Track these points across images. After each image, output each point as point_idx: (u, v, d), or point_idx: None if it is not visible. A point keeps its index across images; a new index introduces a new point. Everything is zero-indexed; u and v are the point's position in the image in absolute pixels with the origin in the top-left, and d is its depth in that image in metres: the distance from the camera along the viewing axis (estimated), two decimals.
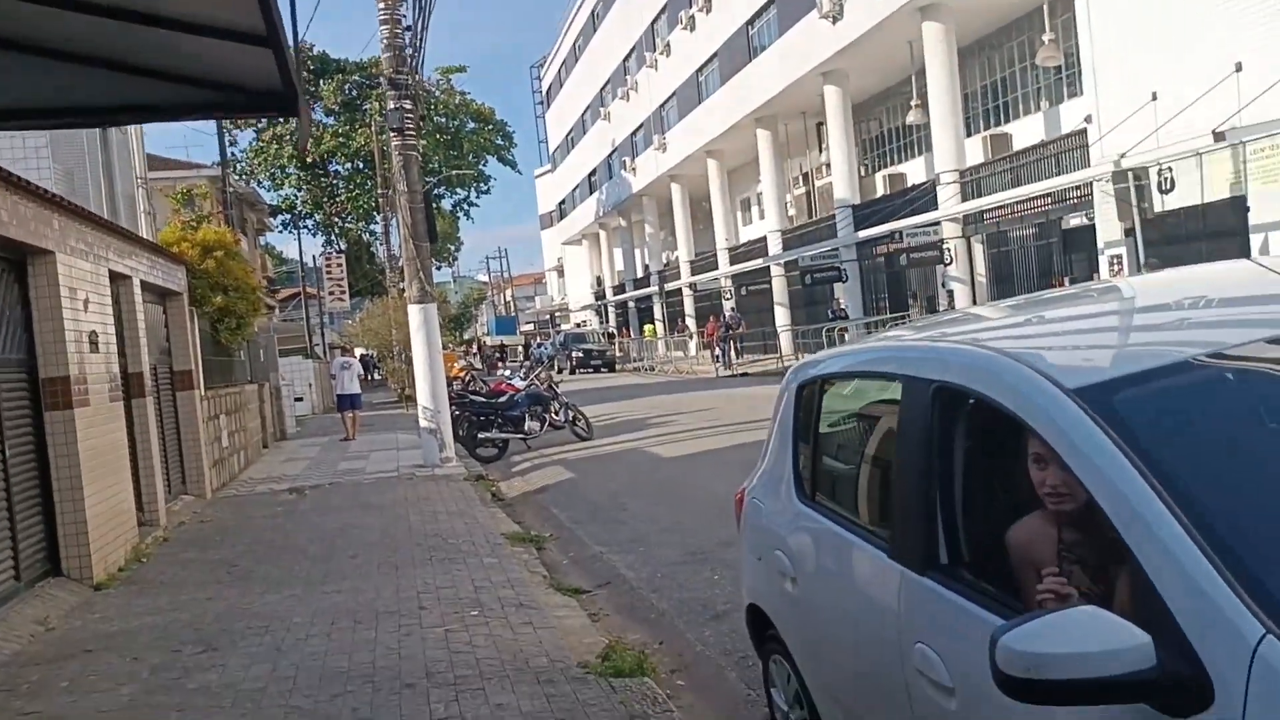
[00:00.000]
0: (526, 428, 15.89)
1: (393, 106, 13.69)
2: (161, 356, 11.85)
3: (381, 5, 13.61)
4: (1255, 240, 16.67)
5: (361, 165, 50.49)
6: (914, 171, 33.38)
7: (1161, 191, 17.59)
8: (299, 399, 29.97)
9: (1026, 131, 27.47)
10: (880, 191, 33.77)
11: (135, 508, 9.47)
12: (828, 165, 36.85)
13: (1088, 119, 20.18)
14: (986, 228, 25.40)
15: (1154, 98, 18.17)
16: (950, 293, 26.24)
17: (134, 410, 9.81)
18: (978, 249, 25.99)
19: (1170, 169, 17.42)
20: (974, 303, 25.54)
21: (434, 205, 14.76)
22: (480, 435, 15.89)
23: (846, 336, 26.18)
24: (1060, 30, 24.64)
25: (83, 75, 2.97)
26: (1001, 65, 29.00)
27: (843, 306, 30.07)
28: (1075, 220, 21.87)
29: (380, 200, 42.19)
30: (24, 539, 7.03)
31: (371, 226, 52.71)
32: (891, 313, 30.19)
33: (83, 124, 3.33)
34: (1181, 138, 17.38)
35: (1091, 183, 20.07)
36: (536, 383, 16.63)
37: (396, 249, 44.09)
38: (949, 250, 25.86)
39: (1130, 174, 15.82)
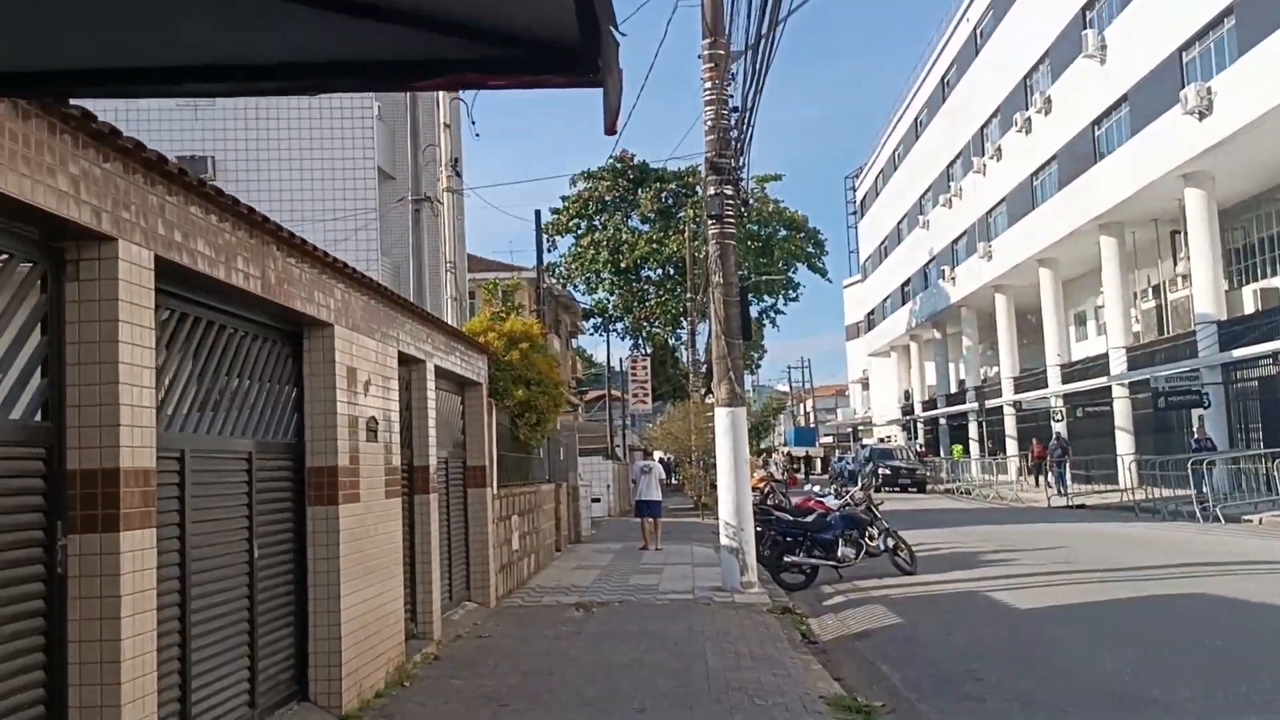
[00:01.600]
0: (840, 554, 13.94)
1: (713, 192, 12.55)
2: (454, 450, 11.05)
3: (707, 85, 12.61)
4: None
5: (672, 271, 51.12)
6: None
7: None
8: (596, 500, 29.46)
9: None
10: (1250, 308, 29.42)
11: (407, 618, 8.45)
12: (1184, 277, 32.78)
13: None
14: None
15: None
16: None
17: (416, 508, 8.89)
18: None
19: None
20: None
21: (749, 302, 13.39)
22: (786, 558, 14.12)
23: (1214, 471, 22.37)
24: None
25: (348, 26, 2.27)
26: None
27: (1207, 436, 25.97)
28: None
29: (688, 305, 42.13)
30: (266, 657, 5.99)
31: (678, 331, 52.99)
32: (1266, 446, 25.76)
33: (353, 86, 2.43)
34: None
35: None
36: (851, 502, 14.69)
37: (701, 353, 43.79)
38: None
39: None
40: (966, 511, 28.03)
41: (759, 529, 13.80)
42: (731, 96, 12.78)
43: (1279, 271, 30.29)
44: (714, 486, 31.73)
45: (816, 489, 16.59)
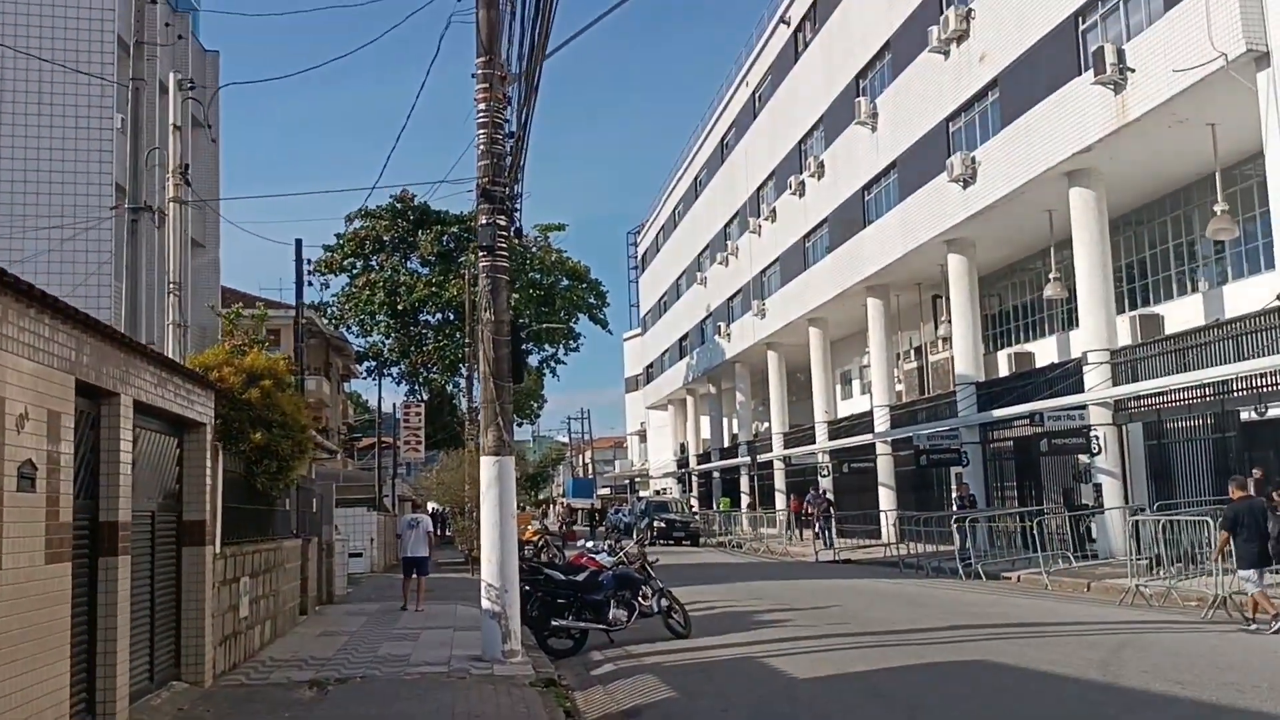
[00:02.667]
0: (611, 616, 12.97)
1: (484, 222, 11.50)
2: (166, 502, 9.41)
3: (481, 107, 11.60)
4: None
5: (452, 316, 49.58)
6: (1044, 351, 30.51)
7: None
8: (356, 555, 27.44)
9: (1183, 313, 24.60)
10: (1004, 370, 30.89)
11: (80, 708, 6.83)
12: (945, 340, 34.16)
13: None
14: (1145, 415, 22.23)
15: None
16: (1098, 486, 22.92)
17: (101, 572, 7.27)
18: (1133, 439, 22.75)
19: None
20: (1126, 500, 22.21)
21: (521, 342, 12.33)
22: (554, 622, 13.02)
23: (979, 529, 22.95)
24: (1254, 196, 22.08)
25: None
26: (1152, 241, 26.37)
27: (970, 493, 26.78)
28: (1271, 410, 18.68)
29: (466, 351, 40.76)
30: None
31: (456, 378, 51.33)
32: (1020, 504, 26.82)
33: None
34: None
35: None
36: (626, 560, 13.78)
37: (478, 399, 42.37)
38: (1097, 439, 22.69)
39: None
40: (738, 566, 27.79)
41: (526, 588, 12.67)
42: (508, 121, 11.82)
43: (1031, 337, 31.99)
44: None
45: (590, 545, 15.63)
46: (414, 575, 17.76)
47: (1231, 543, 12.74)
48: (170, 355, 11.96)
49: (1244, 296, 22.52)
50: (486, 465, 11.44)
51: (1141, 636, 12.18)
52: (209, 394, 10.27)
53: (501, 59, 11.62)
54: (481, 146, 11.62)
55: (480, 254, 11.60)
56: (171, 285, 12.35)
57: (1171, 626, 13.04)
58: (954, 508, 30.97)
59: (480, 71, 11.59)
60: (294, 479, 13.54)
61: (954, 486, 29.80)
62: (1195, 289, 24.88)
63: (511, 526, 11.41)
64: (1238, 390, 19.28)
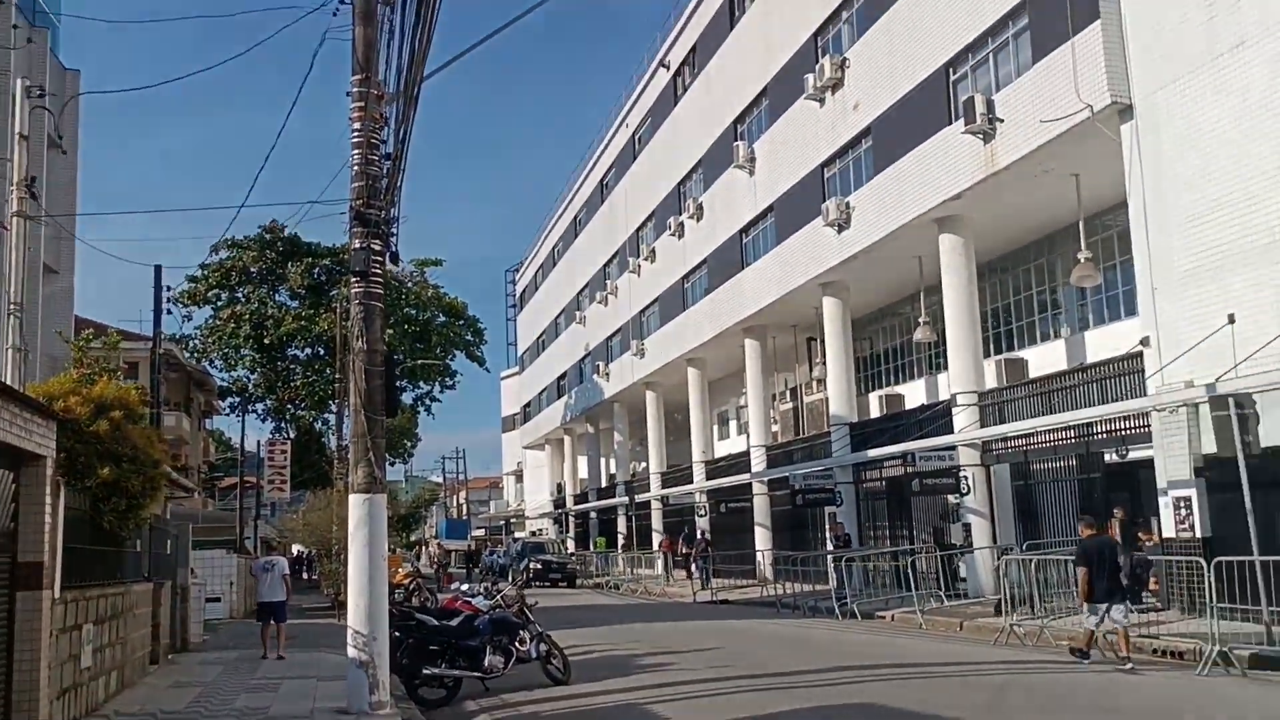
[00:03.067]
0: (487, 663, 12.42)
1: (358, 246, 11.01)
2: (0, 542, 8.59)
3: (356, 126, 11.15)
4: None
5: (321, 351, 48.13)
6: (913, 394, 31.22)
7: (1216, 430, 15.04)
8: (215, 600, 26.11)
9: (1047, 357, 25.45)
10: (875, 412, 31.42)
11: None
12: (819, 381, 34.69)
13: (1144, 341, 17.93)
14: (1012, 456, 22.80)
15: (1231, 320, 16.02)
16: (967, 526, 23.36)
17: None
18: (1001, 479, 23.29)
19: (1254, 401, 14.92)
20: (994, 539, 22.68)
21: (395, 375, 11.82)
22: (426, 669, 12.40)
23: (855, 568, 23.08)
24: (1115, 245, 22.99)
25: None
26: (1016, 288, 27.28)
27: (846, 533, 27.02)
28: (1131, 453, 19.33)
29: (336, 386, 39.53)
30: None
31: (325, 415, 49.77)
32: (892, 543, 27.21)
33: None
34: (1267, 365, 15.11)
35: (1151, 413, 17.64)
36: (503, 603, 13.27)
37: (348, 436, 40.94)
38: (966, 479, 23.16)
39: (1231, 401, 13.35)
40: (616, 608, 27.38)
41: (396, 634, 12.05)
42: (384, 142, 11.38)
43: (901, 379, 32.70)
44: None
45: (465, 588, 15.04)
46: (272, 621, 16.98)
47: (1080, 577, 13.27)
48: (7, 381, 11.04)
49: (1104, 343, 23.41)
50: (356, 504, 10.86)
51: (1022, 677, 12.26)
52: (50, 424, 9.46)
53: (379, 78, 11.20)
54: (356, 167, 11.16)
55: (353, 279, 11.09)
56: (12, 306, 11.39)
57: (1048, 667, 13.19)
58: (829, 546, 31.36)
59: (355, 90, 11.16)
60: (145, 518, 12.66)
61: (829, 526, 30.11)
62: (1058, 335, 25.78)
63: (382, 569, 10.83)
64: (1101, 433, 19.91)
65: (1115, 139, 18.52)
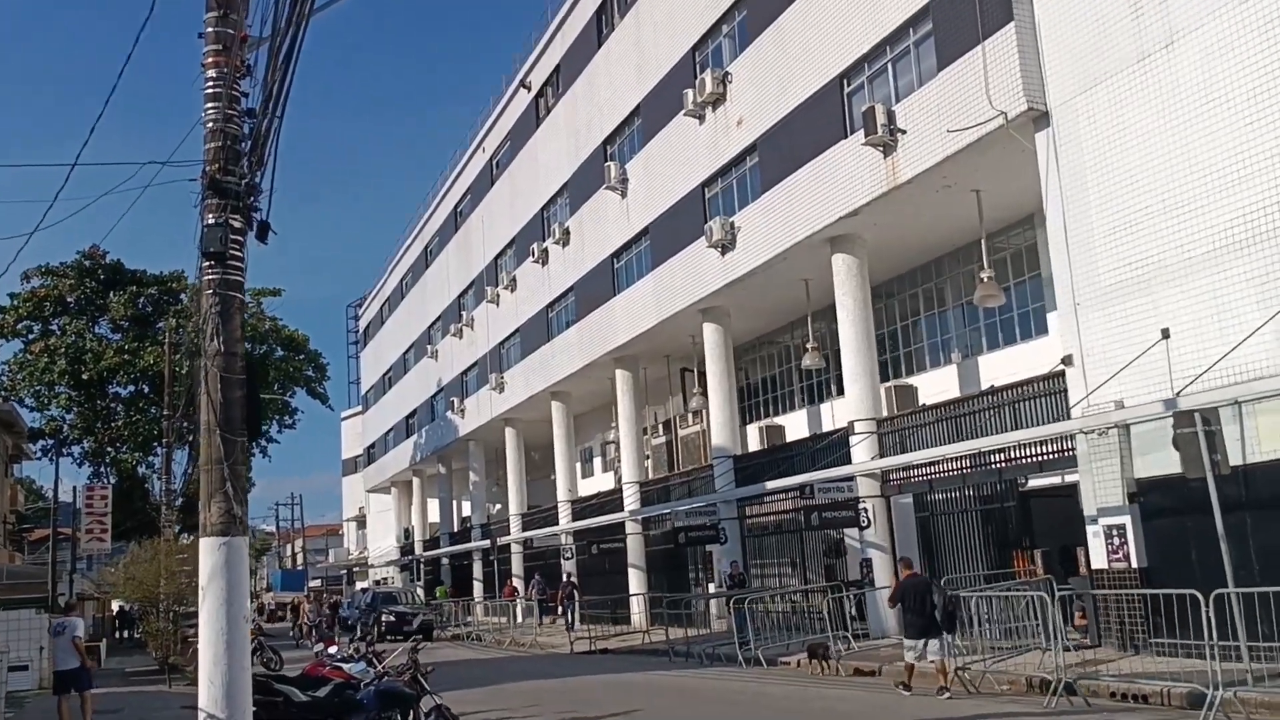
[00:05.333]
0: None
1: (212, 222, 8.65)
2: None
3: (211, 74, 8.84)
4: None
5: (147, 388, 44.00)
6: (794, 425, 30.04)
7: (1180, 449, 14.04)
8: (19, 668, 22.43)
9: (939, 383, 24.58)
10: (755, 445, 30.08)
11: None
12: (695, 413, 33.23)
13: (1067, 360, 16.95)
14: (914, 487, 21.64)
15: (1165, 335, 15.14)
16: (867, 561, 22.02)
17: None
18: (904, 511, 22.10)
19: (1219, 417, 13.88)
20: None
21: (259, 385, 9.41)
22: None
23: (755, 611, 21.35)
24: (1008, 266, 22.28)
25: None
26: (903, 313, 26.45)
27: (740, 572, 25.33)
28: (1052, 479, 18.35)
29: (164, 425, 35.89)
30: None
31: (151, 458, 45.40)
32: (781, 583, 25.76)
33: None
34: (1197, 383, 14.22)
35: (1078, 436, 16.63)
36: (390, 671, 10.91)
37: (177, 481, 37.14)
38: (866, 511, 21.87)
39: (1198, 416, 12.26)
40: (491, 662, 24.88)
41: (258, 710, 9.57)
42: (246, 95, 9.09)
43: (781, 410, 31.49)
44: (186, 642, 25.91)
45: (333, 651, 12.54)
46: (74, 691, 14.23)
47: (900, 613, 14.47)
48: None
49: (1002, 366, 22.63)
50: (209, 549, 8.41)
51: None
52: None
53: (242, 15, 8.94)
54: (211, 125, 8.83)
55: (206, 264, 8.71)
56: None
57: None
58: (712, 588, 29.68)
59: (212, 30, 8.85)
60: None
61: (716, 565, 28.51)
62: (949, 360, 24.96)
63: (243, 633, 8.39)
64: (1017, 459, 18.87)
65: (1030, 147, 17.62)
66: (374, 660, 11.86)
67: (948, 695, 13.54)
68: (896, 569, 15.96)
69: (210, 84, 8.93)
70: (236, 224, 8.81)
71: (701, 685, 16.96)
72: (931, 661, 14.04)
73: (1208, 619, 10.83)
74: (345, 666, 11.74)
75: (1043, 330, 22.02)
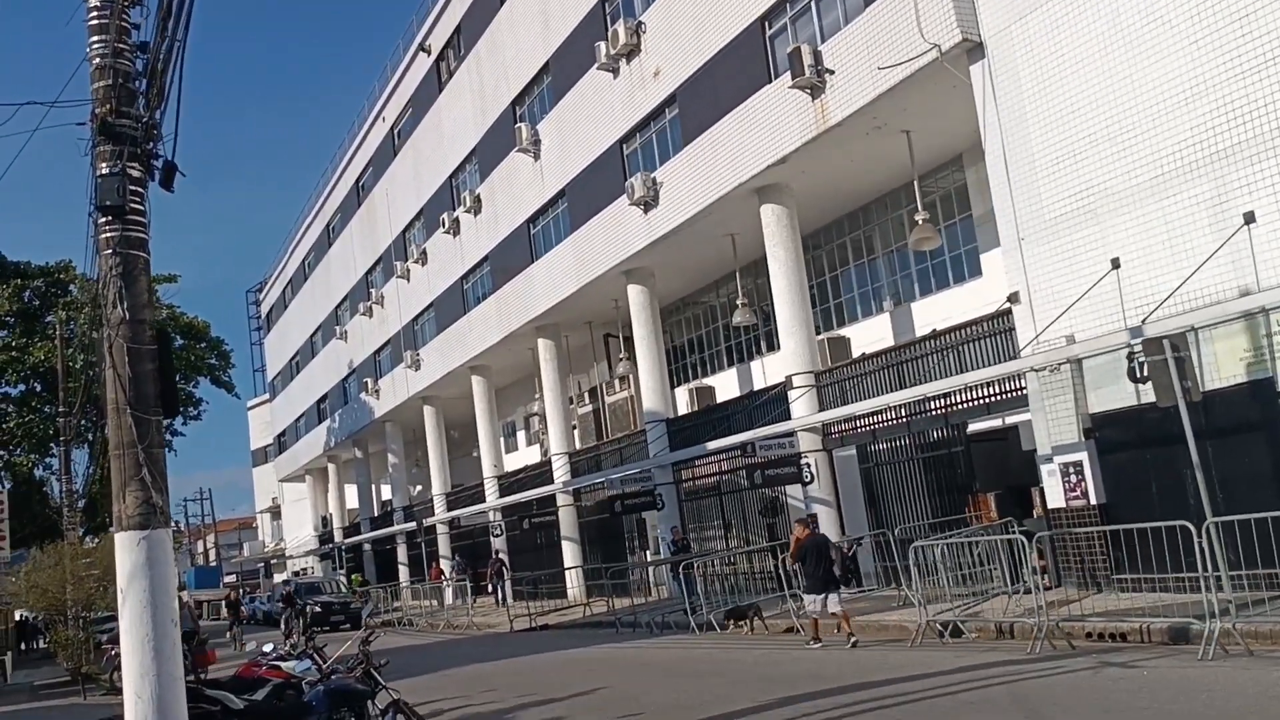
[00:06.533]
0: None
1: (106, 171, 7.53)
2: None
3: (94, 2, 7.69)
4: None
5: (39, 386, 41.57)
6: (725, 385, 29.45)
7: (1137, 380, 13.74)
8: None
9: (872, 332, 24.18)
10: (684, 408, 29.41)
11: None
12: (621, 379, 32.41)
13: (1013, 297, 16.54)
14: (857, 439, 21.18)
15: (1115, 265, 14.78)
16: (813, 517, 21.52)
17: None
18: (848, 464, 21.66)
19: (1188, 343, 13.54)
20: (842, 531, 20.99)
21: (173, 359, 8.26)
22: None
23: (694, 576, 20.63)
24: (938, 209, 21.86)
25: None
26: (832, 263, 25.97)
27: (684, 537, 24.67)
28: (992, 423, 18.00)
29: (60, 424, 33.86)
30: None
31: (48, 459, 42.93)
32: (723, 545, 25.20)
33: None
34: (1147, 313, 13.91)
35: (1028, 374, 16.26)
36: (339, 665, 9.92)
37: (79, 481, 35.14)
38: (809, 466, 21.35)
39: (1167, 344, 11.87)
40: (432, 647, 23.83)
41: None
42: (138, 27, 7.94)
43: (709, 371, 30.88)
44: (99, 649, 24.33)
45: (269, 648, 11.48)
46: None
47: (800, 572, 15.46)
48: None
49: (931, 311, 22.30)
50: (126, 545, 7.35)
51: (1019, 684, 10.07)
52: None
53: None
54: (97, 60, 7.68)
55: (104, 220, 7.58)
56: None
57: (1024, 669, 11.14)
58: (650, 555, 29.07)
59: None
60: None
61: (652, 532, 27.87)
62: (881, 309, 24.57)
63: (173, 638, 7.35)
64: (963, 403, 18.50)
65: (965, 80, 17.09)
66: (317, 656, 10.86)
67: (855, 640, 14.28)
68: (794, 528, 15.79)
69: (94, 13, 7.78)
70: (135, 172, 7.72)
71: (659, 656, 16.24)
72: (834, 614, 14.77)
73: (1200, 550, 10.43)
74: (284, 665, 10.71)
75: (976, 272, 21.72)
